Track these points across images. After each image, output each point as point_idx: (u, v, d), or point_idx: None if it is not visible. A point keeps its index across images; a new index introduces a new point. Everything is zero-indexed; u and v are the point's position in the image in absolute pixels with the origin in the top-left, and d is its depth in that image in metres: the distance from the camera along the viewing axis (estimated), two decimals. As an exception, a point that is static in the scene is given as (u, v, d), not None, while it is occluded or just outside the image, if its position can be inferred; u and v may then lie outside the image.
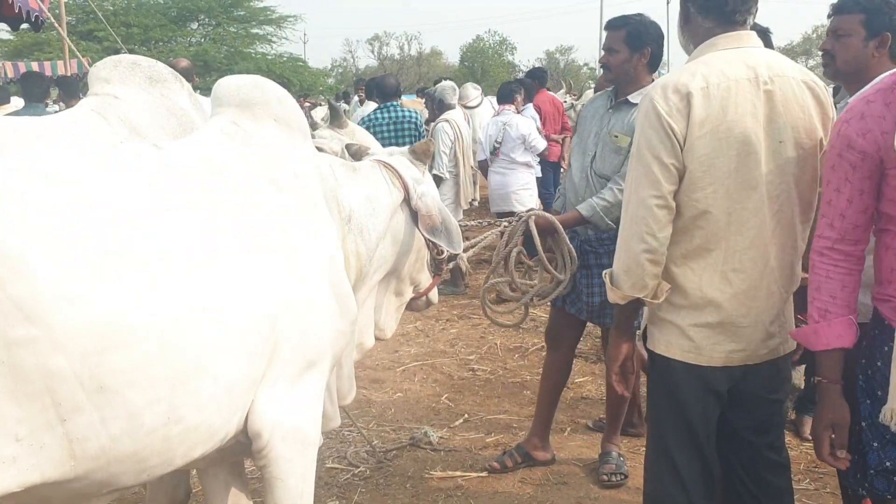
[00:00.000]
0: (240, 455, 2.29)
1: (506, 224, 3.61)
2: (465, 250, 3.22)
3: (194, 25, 38.54)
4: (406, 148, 2.94)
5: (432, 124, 7.70)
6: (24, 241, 1.49)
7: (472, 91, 9.68)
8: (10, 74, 20.17)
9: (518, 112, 7.57)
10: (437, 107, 7.66)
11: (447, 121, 7.39)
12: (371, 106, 7.92)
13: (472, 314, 6.69)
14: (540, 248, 3.49)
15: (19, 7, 7.44)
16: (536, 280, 3.59)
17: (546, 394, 3.96)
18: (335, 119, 4.20)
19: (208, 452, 1.93)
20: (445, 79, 9.70)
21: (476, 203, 10.05)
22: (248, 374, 1.93)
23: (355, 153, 3.11)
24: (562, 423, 4.45)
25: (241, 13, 38.52)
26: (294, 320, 2.06)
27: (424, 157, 2.92)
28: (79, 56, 11.18)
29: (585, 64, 58.61)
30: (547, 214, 3.59)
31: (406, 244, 2.80)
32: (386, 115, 6.64)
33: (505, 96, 7.67)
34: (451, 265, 3.15)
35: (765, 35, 3.16)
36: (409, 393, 4.97)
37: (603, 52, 3.64)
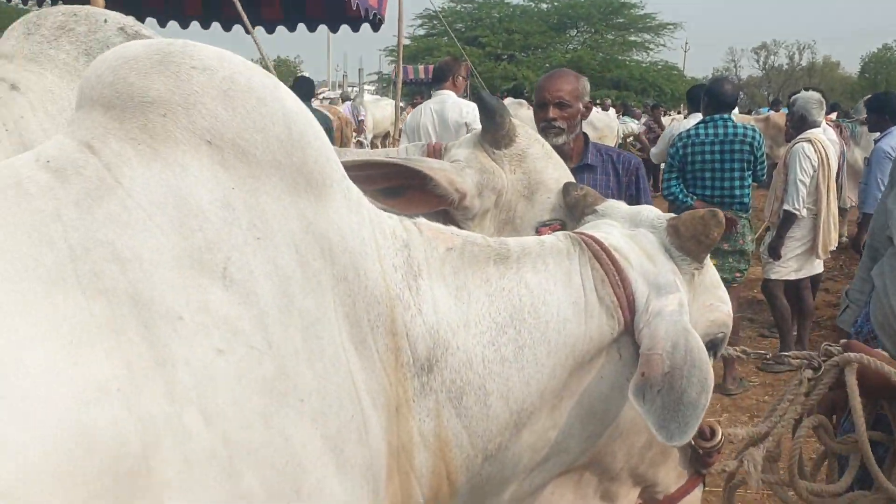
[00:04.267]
0: None
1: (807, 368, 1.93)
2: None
3: (573, 32, 38.96)
4: (667, 220, 1.55)
5: (788, 146, 6.03)
6: None
7: (871, 106, 7.66)
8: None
9: None
10: (797, 124, 5.97)
11: (809, 140, 5.69)
12: (694, 119, 6.49)
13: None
14: (861, 423, 1.85)
15: (357, 5, 7.32)
16: (843, 484, 1.92)
17: None
18: (489, 128, 2.05)
19: None
20: (810, 88, 7.80)
21: (844, 239, 8.03)
22: None
23: (575, 204, 1.73)
24: None
25: (621, 20, 38.25)
26: None
27: (697, 246, 1.50)
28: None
29: None
30: (886, 367, 1.83)
31: (624, 416, 1.49)
32: (711, 131, 5.23)
33: None
34: (717, 445, 1.72)
35: None
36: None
37: None
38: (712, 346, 1.58)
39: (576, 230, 1.59)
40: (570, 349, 1.38)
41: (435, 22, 34.67)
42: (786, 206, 5.62)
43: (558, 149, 2.81)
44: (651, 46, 38.46)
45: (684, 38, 56.66)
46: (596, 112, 12.65)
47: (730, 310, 1.62)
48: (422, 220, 1.41)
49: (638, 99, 31.33)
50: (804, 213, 5.63)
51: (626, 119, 16.34)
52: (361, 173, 1.88)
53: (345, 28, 8.23)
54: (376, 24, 8.39)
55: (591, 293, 1.42)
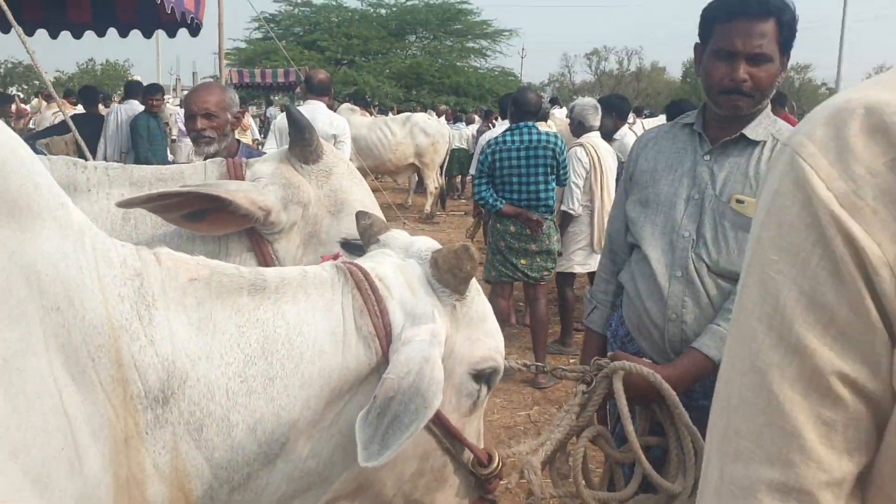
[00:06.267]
0: None
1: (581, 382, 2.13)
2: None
3: (412, 38, 39.32)
4: (432, 255, 1.57)
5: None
6: None
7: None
8: (235, 80, 21.11)
9: None
10: (576, 129, 6.31)
11: (582, 145, 6.07)
12: (503, 127, 6.75)
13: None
14: (630, 427, 2.03)
15: (172, 8, 7.04)
16: (629, 490, 2.08)
17: None
18: (298, 142, 2.11)
19: None
20: (587, 94, 8.28)
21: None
22: None
23: (363, 232, 1.73)
24: None
25: (458, 27, 38.94)
26: None
27: (453, 278, 1.52)
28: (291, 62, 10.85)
29: (823, 84, 53.54)
30: (645, 369, 2.04)
31: None
32: (517, 137, 5.46)
33: None
34: (495, 471, 1.71)
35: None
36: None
37: (725, 61, 2.16)
38: (481, 377, 1.61)
39: (347, 261, 1.60)
40: (326, 380, 1.40)
41: (272, 25, 34.02)
42: (563, 207, 5.97)
43: (209, 157, 3.01)
44: (488, 53, 39.37)
45: (520, 44, 58.75)
46: (426, 118, 12.85)
47: (498, 344, 1.65)
48: (164, 250, 1.40)
49: (476, 104, 32.09)
50: (579, 211, 5.98)
51: (460, 125, 16.70)
52: (161, 203, 1.89)
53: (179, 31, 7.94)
54: (195, 29, 8.15)
55: (350, 323, 1.44)
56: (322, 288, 1.47)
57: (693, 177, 2.24)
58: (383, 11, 38.49)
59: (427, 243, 1.64)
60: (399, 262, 1.58)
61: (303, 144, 2.12)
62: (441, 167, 13.01)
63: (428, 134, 12.37)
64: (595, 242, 6.03)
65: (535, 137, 5.44)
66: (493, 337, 1.63)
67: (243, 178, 2.13)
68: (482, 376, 1.62)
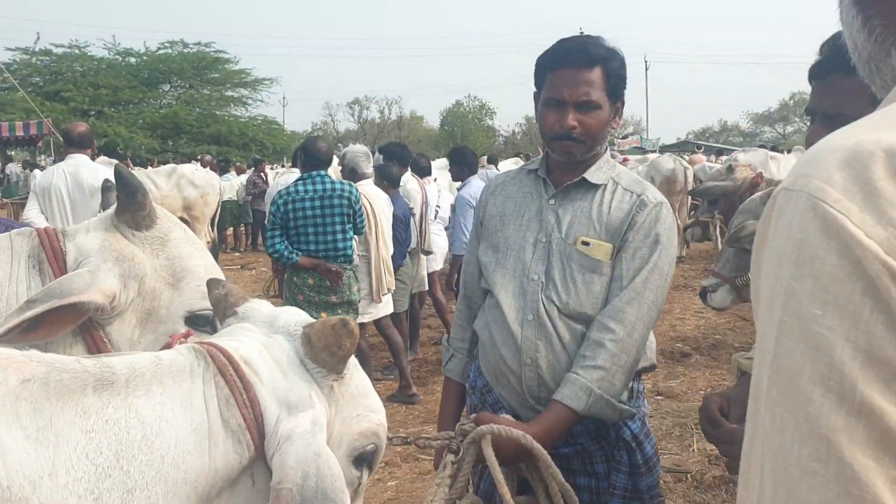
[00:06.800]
0: None
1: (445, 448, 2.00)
2: None
3: (166, 87, 37.91)
4: (303, 330, 1.39)
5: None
6: None
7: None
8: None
9: None
10: (348, 175, 6.14)
11: None
12: (294, 176, 6.54)
13: (424, 454, 4.94)
14: (506, 493, 1.90)
15: None
16: None
17: None
18: (129, 207, 1.83)
19: None
20: (352, 142, 8.33)
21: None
22: None
23: (217, 304, 1.51)
24: None
25: (215, 76, 38.15)
26: None
27: (330, 357, 1.35)
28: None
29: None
30: (515, 431, 1.93)
31: None
32: (310, 187, 5.27)
33: None
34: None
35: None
36: None
37: (554, 109, 2.18)
38: (362, 460, 1.45)
39: (205, 341, 1.38)
40: (193, 485, 1.19)
41: (6, 75, 31.14)
42: None
43: None
44: (249, 101, 38.84)
45: (281, 93, 58.55)
46: (194, 169, 12.24)
47: (381, 418, 1.48)
48: None
49: (240, 154, 31.41)
50: (357, 260, 5.70)
51: (229, 176, 16.14)
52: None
53: None
54: None
55: (216, 416, 1.24)
56: (180, 376, 1.25)
57: (540, 220, 2.24)
58: (133, 60, 36.83)
59: (294, 316, 1.46)
60: (264, 339, 1.39)
61: (134, 209, 1.82)
62: (213, 220, 12.39)
63: (196, 185, 11.74)
64: (374, 291, 5.88)
65: (328, 186, 5.27)
66: (375, 412, 1.47)
67: (62, 251, 1.78)
68: (364, 458, 1.46)
